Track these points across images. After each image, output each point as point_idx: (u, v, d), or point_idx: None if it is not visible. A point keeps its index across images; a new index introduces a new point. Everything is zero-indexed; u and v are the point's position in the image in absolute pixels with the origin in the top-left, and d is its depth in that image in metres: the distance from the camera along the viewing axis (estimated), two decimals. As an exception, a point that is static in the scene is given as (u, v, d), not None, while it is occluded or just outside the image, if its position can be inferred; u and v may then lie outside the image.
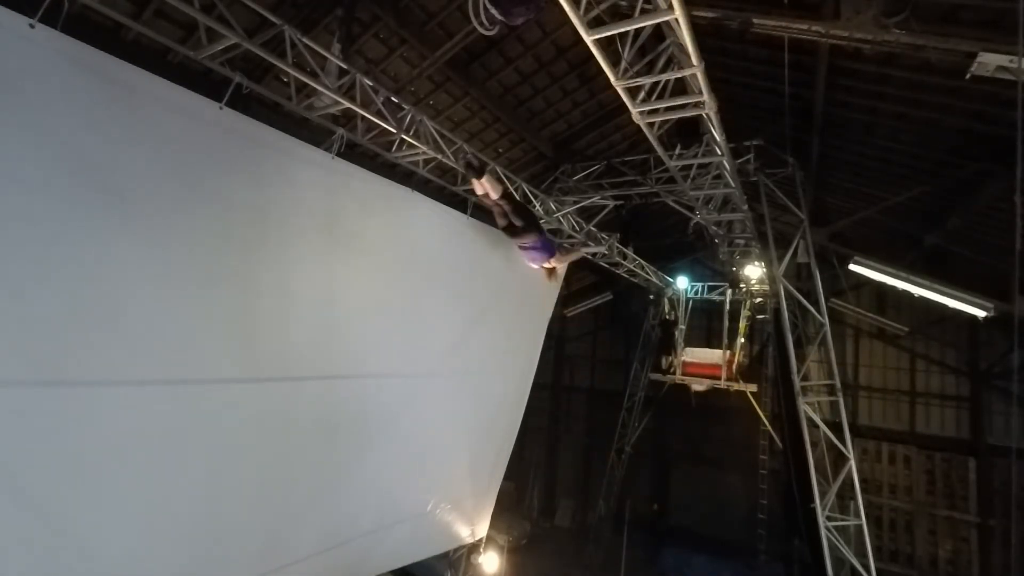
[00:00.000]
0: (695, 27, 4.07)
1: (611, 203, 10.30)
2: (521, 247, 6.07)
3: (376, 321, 6.36)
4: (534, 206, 8.05)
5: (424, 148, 6.17)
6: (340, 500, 6.52)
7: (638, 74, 4.72)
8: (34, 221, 3.65)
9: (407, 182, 6.63)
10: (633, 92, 4.97)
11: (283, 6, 6.20)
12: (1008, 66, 4.42)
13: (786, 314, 9.08)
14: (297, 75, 5.02)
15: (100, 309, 4.05)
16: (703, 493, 15.10)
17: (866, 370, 13.32)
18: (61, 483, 4.04)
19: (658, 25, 4.12)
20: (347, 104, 5.38)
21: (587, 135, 10.43)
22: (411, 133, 6.05)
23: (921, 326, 12.47)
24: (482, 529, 9.72)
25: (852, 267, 10.09)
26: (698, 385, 13.30)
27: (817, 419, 8.53)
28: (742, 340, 13.18)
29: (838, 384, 8.77)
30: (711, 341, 14.46)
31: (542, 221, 8.34)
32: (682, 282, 14.20)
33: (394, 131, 5.89)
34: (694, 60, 4.31)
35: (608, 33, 4.09)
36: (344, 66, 5.39)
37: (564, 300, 15.85)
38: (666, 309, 14.35)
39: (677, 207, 10.34)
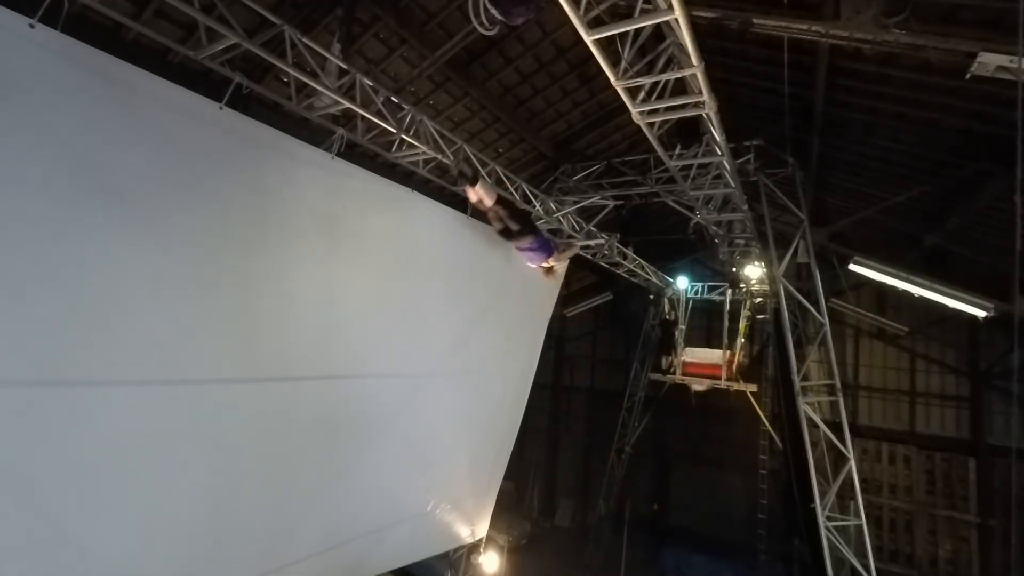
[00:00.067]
0: (695, 27, 4.07)
1: (611, 203, 10.30)
2: (518, 248, 6.09)
3: (376, 321, 6.36)
4: (534, 206, 8.05)
5: (424, 148, 6.17)
6: (340, 500, 6.52)
7: (638, 74, 4.71)
8: (34, 221, 3.65)
9: (407, 182, 6.63)
10: (633, 92, 4.97)
11: (283, 6, 6.20)
12: (1008, 66, 4.42)
13: (786, 314, 9.08)
14: (297, 75, 5.02)
15: (100, 309, 4.05)
16: (703, 493, 15.10)
17: (866, 370, 13.32)
18: (61, 483, 4.04)
19: (658, 25, 4.12)
20: (347, 104, 5.38)
21: (587, 135, 10.43)
22: (411, 133, 6.05)
23: (921, 326, 12.47)
24: (482, 529, 9.72)
25: (852, 267, 10.09)
26: (698, 385, 13.30)
27: (817, 419, 8.53)
28: (742, 340, 13.19)
29: (838, 384, 8.78)
30: (711, 341, 14.46)
31: (541, 221, 8.36)
32: (682, 282, 14.21)
33: (394, 131, 5.89)
34: (694, 60, 4.31)
35: (608, 33, 4.09)
36: (344, 66, 5.39)
37: (564, 300, 15.85)
38: (666, 309, 14.36)
39: (677, 207, 10.34)
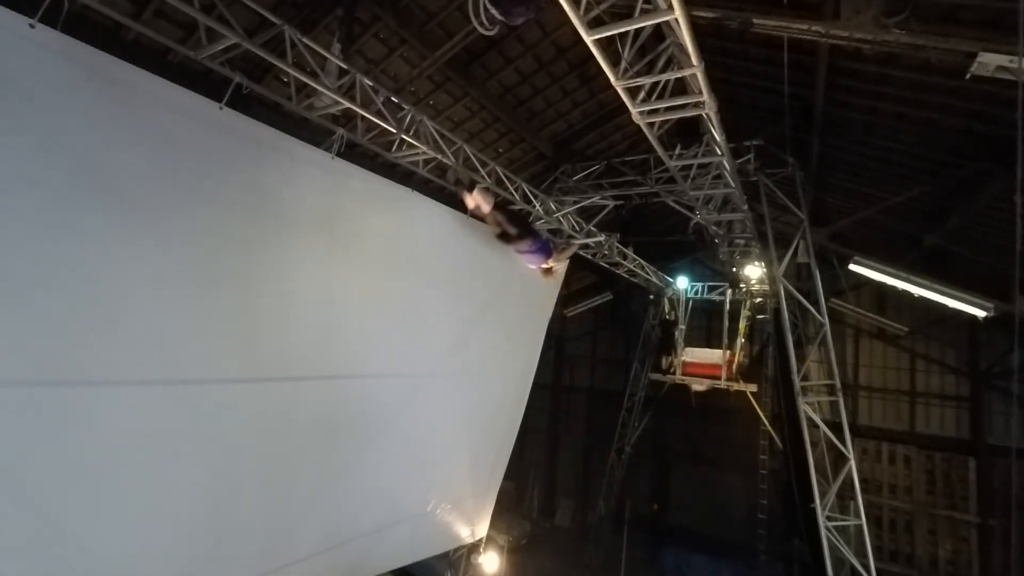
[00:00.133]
0: (695, 27, 4.07)
1: (611, 203, 10.30)
2: (518, 251, 6.11)
3: (376, 321, 6.36)
4: (534, 206, 8.05)
5: (424, 148, 6.17)
6: (340, 500, 6.52)
7: (638, 74, 4.71)
8: (34, 221, 3.65)
9: (407, 182, 6.63)
10: (633, 92, 4.97)
11: (283, 6, 6.20)
12: (1008, 66, 4.42)
13: (786, 314, 9.08)
14: (297, 75, 5.02)
15: (100, 309, 4.05)
16: (703, 493, 15.10)
17: (866, 370, 13.32)
18: (61, 483, 4.04)
19: (658, 25, 4.12)
20: (347, 104, 5.38)
21: (587, 135, 10.43)
22: (411, 133, 6.05)
23: (921, 326, 12.47)
24: (482, 529, 9.72)
25: (852, 267, 10.09)
26: (698, 385, 13.30)
27: (817, 419, 8.53)
28: (742, 340, 13.19)
29: (838, 384, 8.77)
30: (711, 341, 14.46)
31: (541, 221, 8.37)
32: (682, 282, 14.21)
33: (394, 131, 5.89)
34: (694, 60, 4.31)
35: (608, 33, 4.09)
36: (344, 66, 5.39)
37: (564, 300, 15.85)
38: (666, 309, 14.36)
39: (677, 207, 10.34)
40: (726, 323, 13.08)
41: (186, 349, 4.63)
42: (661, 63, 4.64)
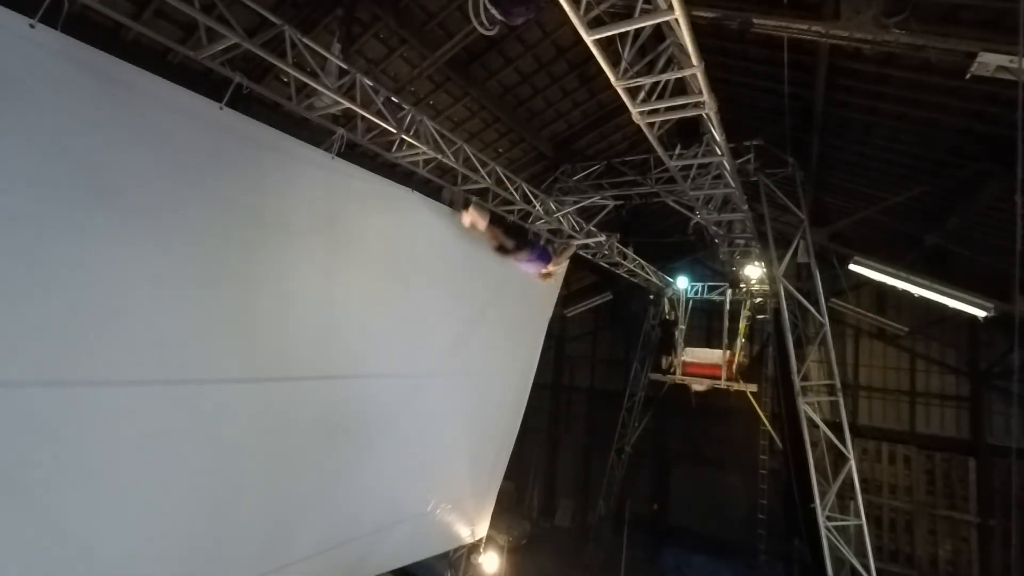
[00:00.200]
0: (695, 27, 4.07)
1: (611, 203, 10.29)
2: (516, 261, 6.14)
3: (376, 321, 6.36)
4: (534, 206, 8.05)
5: (424, 148, 6.17)
6: (340, 500, 6.52)
7: (638, 74, 4.71)
8: (34, 221, 3.65)
9: (407, 182, 6.63)
10: (633, 92, 4.97)
11: (283, 6, 6.20)
12: (1008, 66, 4.42)
13: (786, 314, 9.09)
14: (297, 75, 5.01)
15: (100, 309, 4.05)
16: (703, 493, 15.10)
17: (866, 370, 13.32)
18: (61, 483, 4.04)
19: (658, 25, 4.12)
20: (347, 104, 5.38)
21: (587, 135, 10.43)
22: (411, 133, 6.05)
23: (921, 326, 12.47)
24: (482, 529, 9.73)
25: (852, 267, 10.09)
26: (698, 385, 13.30)
27: (817, 419, 8.53)
28: (742, 340, 13.19)
29: (838, 384, 8.78)
30: (711, 341, 14.46)
31: (541, 222, 8.37)
32: (682, 282, 14.21)
33: (394, 131, 5.89)
34: (694, 60, 4.31)
35: (608, 33, 4.09)
36: (344, 66, 5.39)
37: (564, 300, 15.85)
38: (666, 309, 14.36)
39: (677, 207, 10.34)
40: (726, 323, 13.08)
41: (186, 349, 4.63)
42: (661, 63, 4.64)
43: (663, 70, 4.65)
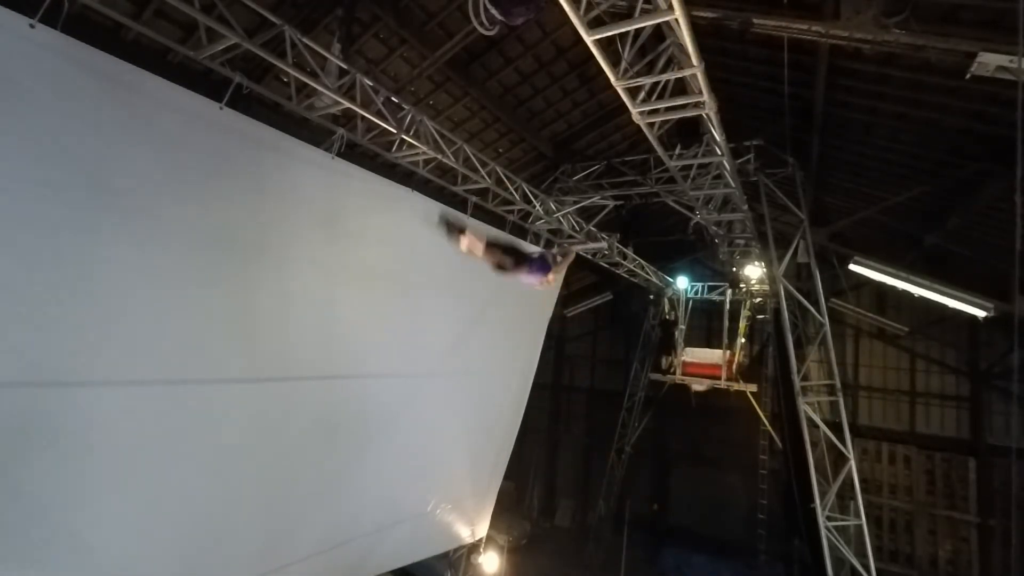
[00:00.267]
0: (695, 27, 4.07)
1: (611, 203, 10.30)
2: (516, 276, 6.16)
3: (376, 321, 6.37)
4: (534, 206, 8.06)
5: (424, 148, 6.17)
6: (340, 500, 6.52)
7: (638, 74, 4.71)
8: (34, 221, 3.65)
9: (407, 182, 6.63)
10: (633, 92, 4.97)
11: (283, 6, 6.19)
12: (1008, 66, 4.42)
13: (786, 314, 9.08)
14: (297, 75, 5.01)
15: (100, 309, 4.05)
16: (703, 493, 15.09)
17: (866, 370, 13.32)
18: (61, 483, 4.04)
19: (658, 25, 4.12)
20: (347, 104, 5.38)
21: (587, 135, 10.42)
22: (411, 133, 6.05)
23: (921, 326, 12.47)
24: (482, 529, 9.73)
25: (852, 267, 10.10)
26: (698, 385, 13.30)
27: (817, 419, 8.53)
28: (742, 340, 13.19)
29: (838, 384, 8.78)
30: (711, 341, 14.46)
31: (541, 221, 8.37)
32: (682, 282, 14.21)
33: (394, 131, 5.89)
34: (694, 60, 4.31)
35: (608, 33, 4.09)
36: (344, 66, 5.39)
37: (564, 300, 15.85)
38: (666, 309, 14.36)
39: (677, 207, 10.34)
40: (726, 323, 13.08)
41: (186, 349, 4.64)
42: (661, 63, 4.64)
43: (663, 70, 4.65)
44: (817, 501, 8.17)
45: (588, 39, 4.11)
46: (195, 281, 4.62)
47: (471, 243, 5.39)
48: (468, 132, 9.39)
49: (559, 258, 6.28)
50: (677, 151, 7.22)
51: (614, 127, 10.23)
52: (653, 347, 14.59)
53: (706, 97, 4.90)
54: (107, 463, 4.28)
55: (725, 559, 13.83)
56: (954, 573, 11.58)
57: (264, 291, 5.20)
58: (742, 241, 10.84)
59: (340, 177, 5.70)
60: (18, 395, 3.73)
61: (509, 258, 5.76)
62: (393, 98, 5.89)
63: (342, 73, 5.43)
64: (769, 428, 13.49)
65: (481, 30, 4.37)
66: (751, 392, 12.54)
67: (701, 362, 13.24)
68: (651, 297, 14.84)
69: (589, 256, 10.12)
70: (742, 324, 13.18)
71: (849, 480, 8.30)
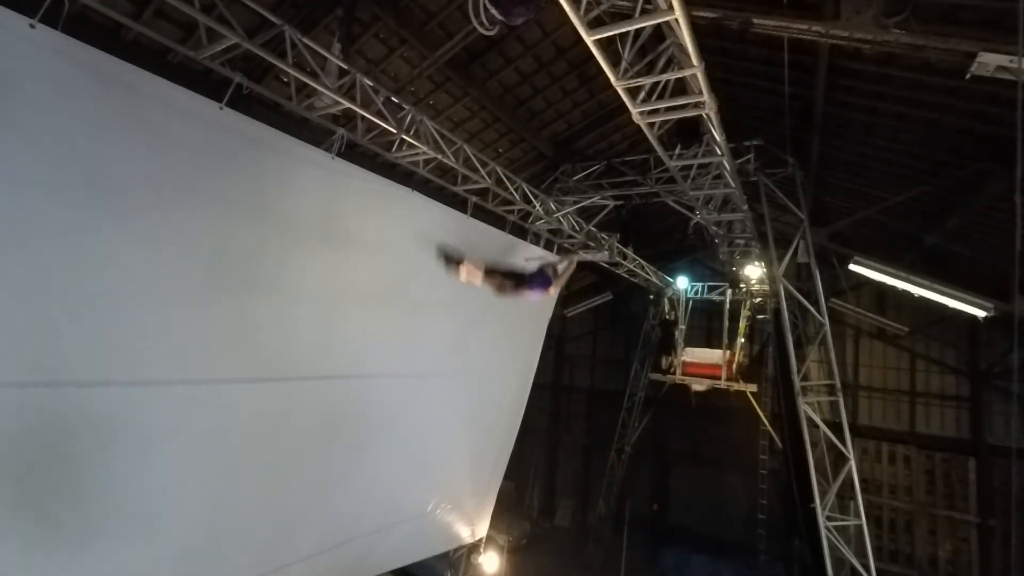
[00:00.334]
0: (695, 27, 4.07)
1: (611, 203, 10.30)
2: (519, 295, 6.20)
3: (376, 321, 6.36)
4: (534, 206, 8.06)
5: (424, 148, 6.17)
6: (340, 500, 6.52)
7: (638, 74, 4.71)
8: (33, 221, 3.65)
9: (407, 182, 6.63)
10: (633, 92, 4.96)
11: (283, 6, 6.19)
12: (1008, 66, 4.42)
13: (786, 314, 9.08)
14: (297, 75, 5.01)
15: (100, 310, 4.05)
16: (703, 493, 15.09)
17: (866, 370, 13.32)
18: (61, 483, 4.04)
19: (658, 25, 4.12)
20: (347, 104, 5.38)
21: (587, 135, 10.42)
22: (411, 133, 6.05)
23: (921, 326, 12.47)
24: (482, 529, 9.74)
25: (852, 267, 10.09)
26: (698, 385, 13.30)
27: (817, 419, 8.53)
28: (742, 340, 13.20)
29: (838, 384, 8.77)
30: (711, 341, 14.46)
31: (541, 222, 8.37)
32: (682, 282, 14.21)
33: (394, 131, 5.89)
34: (694, 60, 4.31)
35: (608, 33, 4.09)
36: (344, 66, 5.39)
37: (564, 300, 15.86)
38: (666, 309, 14.36)
39: (677, 207, 10.34)
40: (726, 323, 13.08)
41: (186, 349, 4.64)
42: (661, 63, 4.63)
43: (663, 70, 4.65)
44: (817, 501, 8.17)
45: (588, 39, 4.11)
46: (195, 281, 4.62)
47: (469, 273, 5.52)
48: (468, 132, 9.39)
49: (559, 269, 6.33)
50: (677, 151, 7.22)
51: (614, 127, 10.23)
52: (653, 347, 14.59)
53: (706, 97, 4.90)
54: (107, 463, 4.28)
55: (725, 559, 13.82)
56: (954, 573, 11.58)
57: (264, 291, 5.20)
58: (742, 241, 10.83)
59: (340, 177, 5.70)
60: (18, 395, 3.72)
61: (509, 281, 5.86)
62: (393, 98, 5.89)
63: (342, 73, 5.43)
64: (769, 428, 13.50)
65: (481, 30, 4.37)
66: (751, 392, 12.54)
67: (701, 362, 13.24)
68: (651, 297, 14.84)
69: (589, 257, 10.12)
70: (742, 324, 13.18)
71: (849, 480, 8.30)
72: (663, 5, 3.79)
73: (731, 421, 14.34)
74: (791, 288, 9.14)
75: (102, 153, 3.89)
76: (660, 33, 4.45)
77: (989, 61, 4.48)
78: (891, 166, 8.38)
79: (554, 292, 6.49)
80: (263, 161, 4.99)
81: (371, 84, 5.58)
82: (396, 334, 6.64)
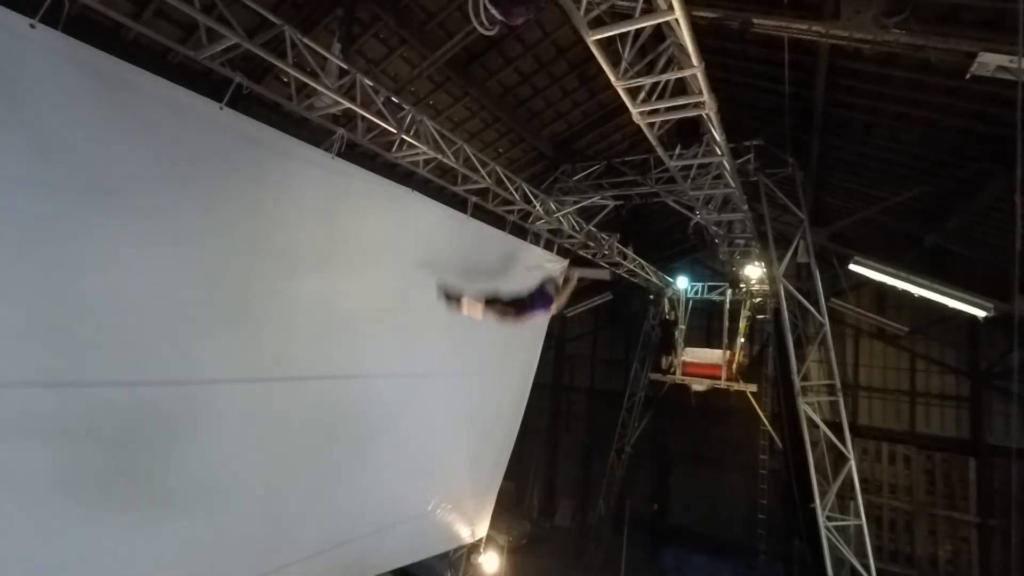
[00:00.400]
0: (695, 27, 4.07)
1: (611, 203, 10.30)
2: (524, 318, 6.28)
3: (376, 321, 6.36)
4: (534, 206, 8.06)
5: (424, 148, 6.17)
6: (340, 500, 6.52)
7: (638, 74, 4.71)
8: (33, 221, 3.65)
9: (407, 182, 6.62)
10: (633, 92, 4.97)
11: (283, 6, 6.20)
12: (1008, 66, 4.42)
13: (786, 314, 9.09)
14: (297, 75, 5.01)
15: (99, 310, 4.05)
16: (703, 493, 15.10)
17: (866, 370, 13.32)
18: (61, 483, 4.04)
19: (658, 25, 4.12)
20: (347, 104, 5.38)
21: (587, 135, 10.43)
22: (411, 133, 6.05)
23: (921, 326, 12.47)
24: (482, 529, 9.74)
25: (852, 267, 10.10)
26: (698, 385, 13.30)
27: (817, 419, 8.53)
28: (742, 340, 13.20)
29: (838, 384, 8.78)
30: (711, 341, 14.46)
31: (541, 222, 8.37)
32: (682, 282, 14.21)
33: (394, 131, 5.89)
34: (694, 60, 4.31)
35: (608, 34, 4.09)
36: (344, 66, 5.39)
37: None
38: (666, 309, 14.36)
39: (677, 207, 10.34)
40: (726, 323, 13.09)
41: (186, 349, 4.63)
42: (661, 63, 4.64)
43: (663, 70, 4.65)
44: (817, 501, 8.17)
45: (588, 39, 4.11)
46: (195, 281, 4.62)
47: (471, 307, 5.59)
48: (468, 132, 9.39)
49: (560, 285, 6.38)
50: (677, 151, 7.22)
51: (614, 127, 10.23)
52: (653, 347, 14.59)
53: (706, 97, 4.90)
54: (107, 463, 4.28)
55: (725, 559, 13.83)
56: (954, 573, 11.59)
57: (263, 291, 5.20)
58: (742, 241, 10.83)
59: (340, 177, 5.70)
60: (18, 395, 3.72)
61: (511, 308, 5.94)
62: (393, 98, 5.89)
63: (342, 73, 5.43)
64: (769, 428, 13.50)
65: (481, 30, 4.37)
66: (751, 392, 12.54)
67: (701, 362, 13.24)
68: (651, 297, 14.84)
69: (589, 256, 10.13)
70: (742, 324, 13.18)
71: (849, 480, 8.30)
72: (663, 5, 3.79)
73: (731, 421, 14.35)
74: (791, 288, 9.14)
75: (102, 153, 3.89)
76: (660, 33, 4.45)
77: (989, 61, 4.48)
78: (891, 166, 8.38)
79: (555, 309, 6.57)
80: (263, 161, 4.98)
81: (371, 84, 5.58)
82: (396, 334, 6.63)
